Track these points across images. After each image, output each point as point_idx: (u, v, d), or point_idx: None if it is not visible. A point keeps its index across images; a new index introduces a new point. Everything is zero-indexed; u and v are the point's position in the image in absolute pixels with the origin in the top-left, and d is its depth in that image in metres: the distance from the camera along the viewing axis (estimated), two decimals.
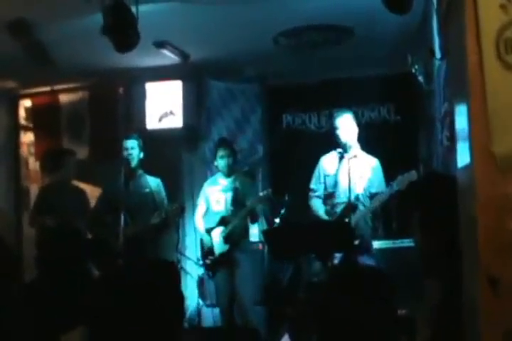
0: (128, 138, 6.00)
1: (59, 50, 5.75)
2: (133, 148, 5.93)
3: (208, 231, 6.01)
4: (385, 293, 1.92)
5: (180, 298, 1.92)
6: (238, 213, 5.91)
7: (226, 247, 5.88)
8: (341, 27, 5.72)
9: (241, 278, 5.88)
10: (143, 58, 6.25)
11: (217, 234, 5.94)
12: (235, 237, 5.92)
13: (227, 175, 6.07)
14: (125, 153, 5.92)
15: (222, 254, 5.89)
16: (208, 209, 6.13)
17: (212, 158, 6.39)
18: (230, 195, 6.01)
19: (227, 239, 5.88)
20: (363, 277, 1.98)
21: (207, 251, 6.01)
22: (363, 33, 5.74)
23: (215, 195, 6.08)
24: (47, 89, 7.61)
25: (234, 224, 5.89)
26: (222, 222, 5.95)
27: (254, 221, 6.06)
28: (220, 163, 6.04)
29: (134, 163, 5.93)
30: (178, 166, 7.17)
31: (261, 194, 5.85)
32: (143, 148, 6.00)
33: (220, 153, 6.03)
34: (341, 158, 5.44)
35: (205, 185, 6.23)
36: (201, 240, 6.14)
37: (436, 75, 4.92)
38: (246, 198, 5.96)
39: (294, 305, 5.62)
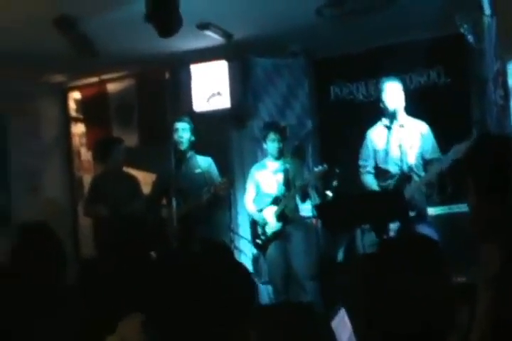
0: (179, 120, 6.05)
1: (104, 41, 5.81)
2: (184, 131, 5.98)
3: (260, 211, 6.03)
4: (438, 261, 1.91)
5: (243, 275, 1.91)
6: (290, 192, 5.91)
7: (279, 225, 5.89)
8: None
9: (295, 253, 5.88)
10: (186, 41, 6.24)
11: (270, 213, 5.95)
12: (288, 214, 5.93)
13: (277, 158, 6.06)
14: (175, 136, 5.97)
15: (275, 232, 5.90)
16: (258, 193, 6.14)
17: (262, 135, 6.41)
18: (281, 176, 6.01)
19: (279, 216, 5.89)
20: (413, 246, 1.97)
21: (258, 231, 6.04)
22: None
23: (266, 178, 6.06)
24: (94, 79, 7.70)
25: (286, 201, 5.89)
26: (275, 201, 5.96)
27: (304, 199, 6.05)
28: (270, 146, 6.02)
29: (184, 145, 5.98)
30: (228, 146, 7.18)
31: (316, 169, 5.85)
32: (193, 130, 6.05)
33: (270, 136, 6.01)
34: (389, 129, 5.38)
35: (253, 169, 6.20)
36: (252, 221, 6.17)
37: (487, 33, 4.81)
38: (296, 178, 5.94)
39: (348, 277, 5.63)
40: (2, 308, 2.19)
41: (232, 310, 1.75)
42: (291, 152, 6.28)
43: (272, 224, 5.92)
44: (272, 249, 5.96)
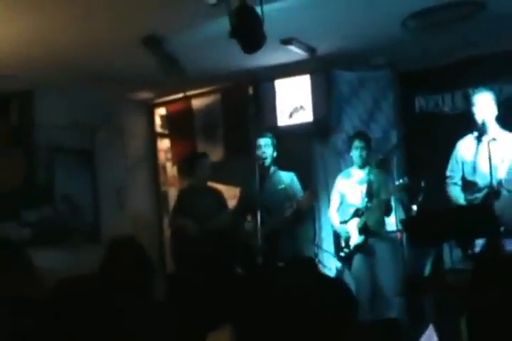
0: (261, 136, 6.11)
1: (189, 58, 5.91)
2: (266, 146, 6.04)
3: (343, 223, 6.00)
4: None
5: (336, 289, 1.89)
6: (373, 205, 5.85)
7: (361, 238, 5.85)
8: (471, 2, 5.49)
9: (380, 268, 5.83)
10: (270, 56, 6.29)
11: (353, 226, 5.91)
12: (371, 228, 5.86)
13: (361, 166, 6.05)
14: (259, 152, 6.03)
15: (357, 246, 5.86)
16: (342, 202, 6.12)
17: (346, 149, 6.41)
18: (364, 187, 5.98)
19: (362, 229, 5.85)
20: (505, 266, 1.92)
21: (342, 244, 6.00)
22: (495, 6, 5.49)
23: (351, 188, 6.06)
24: (180, 95, 7.84)
25: (369, 214, 5.84)
26: (357, 213, 5.93)
27: (388, 213, 5.99)
28: (354, 154, 6.05)
29: (267, 161, 6.04)
30: (312, 160, 7.16)
31: (397, 183, 5.76)
32: (276, 146, 6.08)
33: (355, 144, 6.04)
34: (479, 141, 5.24)
35: (339, 178, 6.23)
36: (335, 233, 6.14)
37: None
38: (380, 190, 5.90)
39: (437, 293, 5.50)
40: (91, 324, 2.24)
41: (331, 325, 1.74)
42: (375, 164, 6.23)
43: (355, 237, 5.88)
44: (356, 263, 5.92)
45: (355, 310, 1.89)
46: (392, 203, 5.96)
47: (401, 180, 5.74)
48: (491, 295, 1.83)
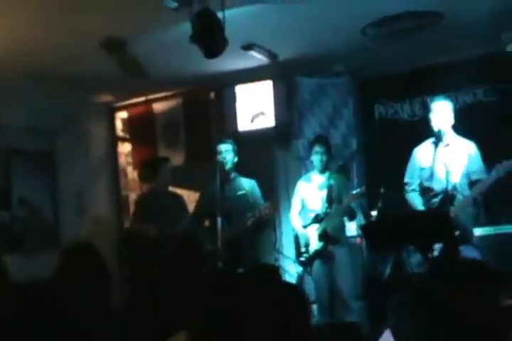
0: (222, 142, 6.11)
1: (151, 61, 5.90)
2: (227, 152, 6.04)
3: (304, 227, 6.04)
4: (488, 285, 1.90)
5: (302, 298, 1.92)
6: (333, 210, 5.91)
7: (320, 244, 5.89)
8: (430, 12, 5.57)
9: (340, 273, 5.87)
10: (231, 62, 6.30)
11: (313, 232, 5.96)
12: (331, 233, 5.91)
13: (322, 171, 6.08)
14: (219, 157, 6.03)
15: (316, 251, 5.91)
16: (303, 207, 6.16)
17: (307, 154, 6.45)
18: (324, 192, 6.02)
19: (321, 236, 5.89)
20: (464, 270, 1.97)
21: (302, 248, 6.04)
22: (453, 16, 5.59)
23: (311, 193, 6.10)
24: (141, 99, 7.81)
25: (328, 221, 5.89)
26: (317, 219, 5.97)
27: (352, 218, 6.05)
28: (315, 158, 6.08)
29: (227, 166, 6.04)
30: (272, 165, 7.20)
31: (354, 192, 5.82)
32: (237, 152, 6.10)
33: (316, 149, 6.07)
34: (435, 147, 5.34)
35: (300, 181, 6.26)
36: (296, 237, 6.17)
37: None
38: (341, 195, 5.96)
39: (396, 297, 5.56)
40: (45, 332, 2.22)
41: (287, 330, 1.76)
42: (336, 170, 6.29)
43: (314, 243, 5.92)
44: (316, 268, 5.97)
45: (310, 316, 1.91)
46: (355, 209, 6.01)
47: (358, 190, 5.80)
48: (444, 298, 1.86)
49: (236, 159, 6.11)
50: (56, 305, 2.38)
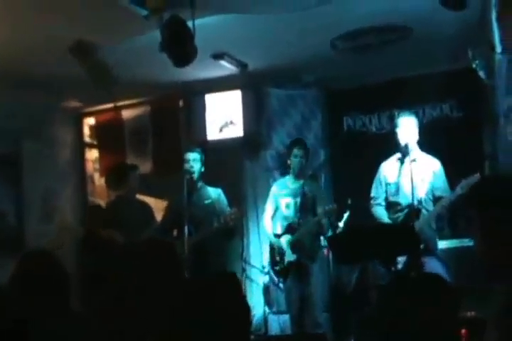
0: (190, 151, 6.10)
1: (120, 68, 5.87)
2: (194, 161, 6.03)
3: (278, 236, 6.04)
4: (447, 300, 1.95)
5: (245, 309, 1.95)
6: (305, 223, 5.95)
7: (294, 256, 5.92)
8: (399, 27, 5.66)
9: (312, 284, 5.90)
10: (201, 70, 6.31)
11: (286, 241, 5.97)
12: (304, 246, 5.94)
13: (298, 176, 6.08)
14: (187, 166, 6.01)
15: (290, 262, 5.93)
16: (276, 212, 6.16)
17: (275, 165, 6.45)
18: (298, 200, 6.03)
19: (294, 247, 5.91)
20: (425, 284, 2.02)
21: (277, 257, 6.03)
22: (421, 31, 5.67)
23: (284, 199, 6.12)
24: (110, 106, 7.76)
25: (301, 233, 5.92)
26: (289, 229, 5.98)
27: (324, 233, 6.07)
28: (294, 162, 6.08)
29: (195, 175, 6.02)
30: (241, 175, 7.21)
31: (327, 208, 5.84)
32: (204, 161, 6.09)
33: (295, 152, 6.08)
34: (402, 162, 5.42)
35: (274, 186, 6.27)
36: (271, 245, 6.15)
37: (498, 69, 4.84)
38: (314, 204, 6.00)
39: (360, 310, 5.61)
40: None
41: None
42: (309, 178, 6.31)
43: (288, 254, 5.93)
44: (290, 280, 5.98)
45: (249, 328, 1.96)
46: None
47: (330, 206, 5.83)
48: (407, 311, 1.90)
49: (203, 169, 6.10)
50: (14, 310, 2.37)
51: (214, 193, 6.12)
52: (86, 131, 8.08)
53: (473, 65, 5.31)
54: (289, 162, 6.15)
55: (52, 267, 2.86)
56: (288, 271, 5.96)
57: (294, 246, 5.92)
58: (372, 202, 5.61)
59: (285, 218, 6.09)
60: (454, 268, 5.30)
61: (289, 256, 5.94)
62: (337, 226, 6.01)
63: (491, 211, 2.13)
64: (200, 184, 6.11)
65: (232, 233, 6.08)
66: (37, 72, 6.16)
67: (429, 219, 5.25)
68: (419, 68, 6.55)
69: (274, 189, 6.26)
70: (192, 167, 6.03)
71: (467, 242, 5.68)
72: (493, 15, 4.48)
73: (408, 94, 6.52)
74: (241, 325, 1.92)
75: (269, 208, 6.24)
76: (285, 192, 6.15)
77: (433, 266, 5.10)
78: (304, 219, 5.99)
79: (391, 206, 5.49)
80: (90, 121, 8.06)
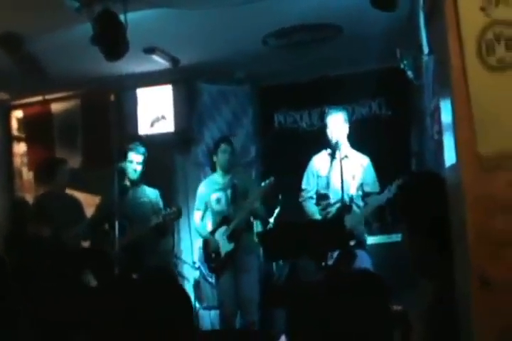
0: (137, 152, 6.01)
1: (50, 61, 5.78)
2: (139, 164, 5.99)
3: (212, 232, 6.04)
4: (378, 296, 1.99)
5: (185, 299, 1.96)
6: (240, 209, 5.95)
7: (231, 246, 5.92)
8: (329, 25, 5.74)
9: (246, 279, 5.93)
10: (133, 65, 6.26)
11: (221, 234, 5.97)
12: (240, 235, 5.95)
13: (226, 171, 6.10)
14: (130, 166, 5.96)
15: (227, 254, 5.92)
16: (207, 210, 6.16)
17: (206, 160, 6.45)
18: (229, 192, 6.06)
19: (231, 237, 5.92)
20: (356, 280, 2.06)
21: (212, 254, 6.03)
22: (351, 30, 5.77)
23: (214, 194, 6.12)
24: (38, 99, 7.62)
25: (237, 221, 5.93)
26: (225, 221, 5.99)
27: (258, 217, 6.12)
28: (221, 158, 6.10)
29: (136, 176, 6.00)
30: (172, 170, 7.19)
31: (263, 184, 5.89)
32: (146, 162, 6.05)
33: (222, 147, 6.10)
34: (332, 158, 5.50)
35: (201, 186, 6.25)
36: (205, 243, 6.13)
37: (425, 70, 4.95)
38: (246, 193, 6.02)
39: (289, 305, 5.66)
40: None
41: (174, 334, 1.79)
42: (239, 169, 6.35)
43: (225, 246, 5.94)
44: (224, 274, 5.97)
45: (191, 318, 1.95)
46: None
47: (267, 181, 5.85)
48: (335, 309, 1.93)
49: (144, 169, 6.06)
50: None
51: (151, 193, 6.10)
52: (14, 124, 7.90)
53: (402, 65, 5.43)
54: (215, 159, 6.17)
55: None
56: (225, 263, 5.94)
57: (230, 236, 5.92)
58: (303, 194, 5.67)
59: (217, 213, 6.09)
60: (382, 263, 5.40)
61: (226, 247, 5.93)
62: (268, 222, 6.07)
63: (417, 209, 2.21)
64: (136, 182, 6.08)
65: (166, 231, 6.07)
66: None
67: (360, 216, 5.36)
68: (349, 66, 6.66)
69: (202, 189, 6.23)
70: (135, 170, 5.99)
71: (395, 238, 5.82)
72: (421, 18, 4.59)
73: (339, 92, 6.62)
74: (186, 317, 1.93)
75: (198, 211, 6.19)
76: (214, 188, 6.15)
77: (363, 260, 5.19)
78: (238, 210, 6.00)
79: (321, 199, 5.57)
80: (18, 114, 7.88)
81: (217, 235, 6.00)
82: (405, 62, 5.39)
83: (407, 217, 2.28)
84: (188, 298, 1.99)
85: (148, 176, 6.19)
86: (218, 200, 6.11)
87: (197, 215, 6.20)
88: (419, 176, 2.75)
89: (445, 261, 2.09)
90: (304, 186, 5.70)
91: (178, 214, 5.94)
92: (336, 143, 5.45)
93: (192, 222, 6.43)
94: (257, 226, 6.31)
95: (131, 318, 1.79)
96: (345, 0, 5.13)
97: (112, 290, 1.94)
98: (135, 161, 5.99)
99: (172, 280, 2.04)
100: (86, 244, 6.32)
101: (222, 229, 5.99)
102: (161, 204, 6.10)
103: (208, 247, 6.06)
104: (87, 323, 2.11)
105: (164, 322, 1.82)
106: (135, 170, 6.00)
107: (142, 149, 6.09)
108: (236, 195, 6.05)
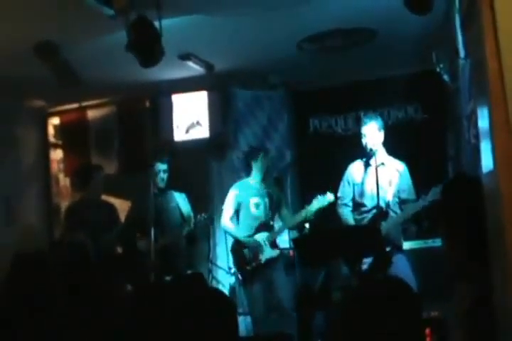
0: (161, 162, 6.12)
1: (86, 68, 5.83)
2: (165, 172, 6.09)
3: (250, 236, 6.03)
4: (410, 306, 1.98)
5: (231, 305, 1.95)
6: (279, 227, 6.04)
7: (276, 253, 5.97)
8: (364, 29, 5.71)
9: (280, 284, 5.92)
10: (168, 71, 6.30)
11: (262, 239, 5.97)
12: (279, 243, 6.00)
13: (262, 178, 6.14)
14: (158, 176, 6.08)
15: (269, 260, 5.96)
16: (239, 213, 6.15)
17: (241, 166, 6.47)
18: (267, 200, 6.07)
19: (274, 244, 5.96)
20: (388, 289, 2.05)
21: (248, 255, 6.03)
22: (386, 34, 5.74)
23: (254, 199, 6.14)
24: (75, 106, 7.72)
25: (280, 231, 6.03)
26: (265, 227, 6.00)
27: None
28: (259, 165, 6.13)
29: (163, 183, 6.09)
30: (207, 176, 7.21)
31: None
32: (171, 168, 6.14)
33: (260, 156, 6.14)
34: (368, 165, 5.47)
35: (235, 187, 6.25)
36: (241, 244, 6.11)
37: (461, 73, 4.89)
38: (280, 206, 6.12)
39: (325, 311, 5.64)
40: None
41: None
42: (271, 182, 6.34)
43: (267, 251, 5.94)
44: (257, 280, 5.97)
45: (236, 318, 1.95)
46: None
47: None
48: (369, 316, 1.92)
49: (170, 176, 6.16)
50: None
51: (179, 197, 6.16)
52: (51, 131, 7.99)
53: (438, 69, 5.37)
54: (252, 165, 6.17)
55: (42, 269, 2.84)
56: (264, 268, 5.94)
57: (273, 242, 5.98)
58: (338, 202, 5.65)
59: (255, 218, 6.09)
60: (418, 268, 5.35)
61: (269, 253, 5.94)
62: (303, 227, 6.05)
63: (456, 213, 2.19)
64: (165, 187, 6.16)
65: (195, 238, 6.12)
66: (2, 72, 6.08)
67: (397, 223, 5.31)
68: (385, 70, 6.61)
69: (236, 191, 6.22)
70: (163, 179, 6.13)
71: (431, 243, 5.76)
72: (457, 21, 4.53)
73: (373, 96, 6.58)
74: (229, 321, 1.93)
75: (228, 210, 6.19)
76: (252, 192, 6.15)
77: (402, 264, 5.15)
78: (272, 219, 6.03)
79: (357, 207, 5.54)
80: (55, 121, 7.97)
81: (259, 239, 6.00)
82: (441, 65, 5.34)
83: (449, 222, 2.25)
84: (232, 304, 1.98)
85: (182, 182, 6.23)
86: (257, 205, 6.12)
87: (227, 214, 6.18)
88: (461, 181, 2.71)
89: (483, 265, 2.07)
90: (339, 194, 5.67)
91: (211, 222, 6.00)
92: (371, 150, 5.41)
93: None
94: (292, 232, 6.30)
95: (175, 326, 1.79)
96: (380, 4, 5.09)
97: (149, 297, 1.94)
98: (161, 170, 6.15)
99: (214, 288, 2.04)
100: (120, 249, 6.38)
101: (263, 234, 5.99)
102: (188, 206, 6.18)
103: (241, 250, 6.06)
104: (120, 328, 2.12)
105: (208, 328, 1.81)
106: (163, 179, 6.14)
107: (166, 159, 6.23)
108: (273, 203, 6.09)
